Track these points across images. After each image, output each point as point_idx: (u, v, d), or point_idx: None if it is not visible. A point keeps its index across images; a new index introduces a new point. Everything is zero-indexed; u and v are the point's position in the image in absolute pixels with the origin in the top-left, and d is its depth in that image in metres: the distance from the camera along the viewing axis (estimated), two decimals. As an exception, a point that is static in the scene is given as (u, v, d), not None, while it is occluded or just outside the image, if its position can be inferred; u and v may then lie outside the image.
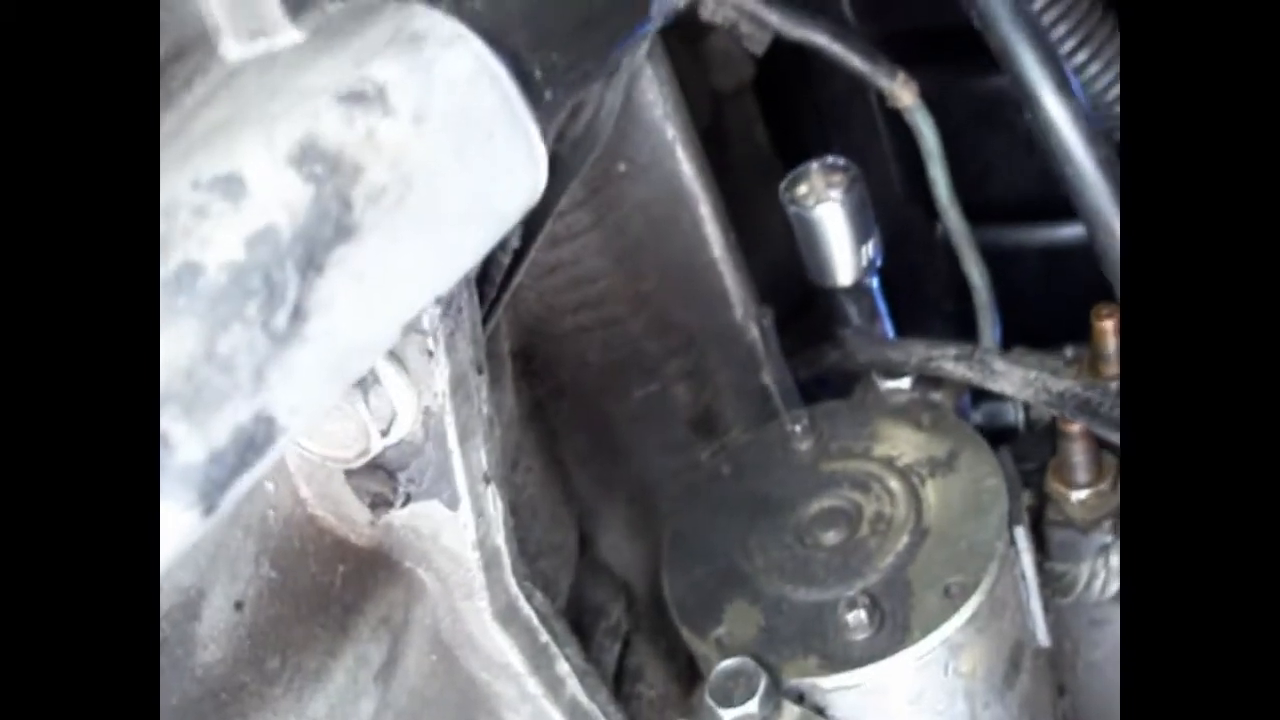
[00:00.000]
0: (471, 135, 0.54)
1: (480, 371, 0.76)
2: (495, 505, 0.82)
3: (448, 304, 0.70)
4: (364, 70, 0.53)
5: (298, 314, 0.49)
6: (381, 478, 0.77)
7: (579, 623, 1.07)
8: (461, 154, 0.54)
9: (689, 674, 1.22)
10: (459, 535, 0.80)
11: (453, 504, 0.78)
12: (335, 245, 0.50)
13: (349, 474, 0.78)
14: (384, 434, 0.72)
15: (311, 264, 0.49)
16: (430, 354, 0.70)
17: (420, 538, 0.81)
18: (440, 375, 0.72)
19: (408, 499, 0.79)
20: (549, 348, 1.15)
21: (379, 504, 0.79)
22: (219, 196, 0.49)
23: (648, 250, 1.15)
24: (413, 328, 0.69)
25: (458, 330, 0.71)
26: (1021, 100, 1.02)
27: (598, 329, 1.16)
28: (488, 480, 0.79)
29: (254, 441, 0.49)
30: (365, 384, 0.70)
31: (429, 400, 0.73)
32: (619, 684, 1.13)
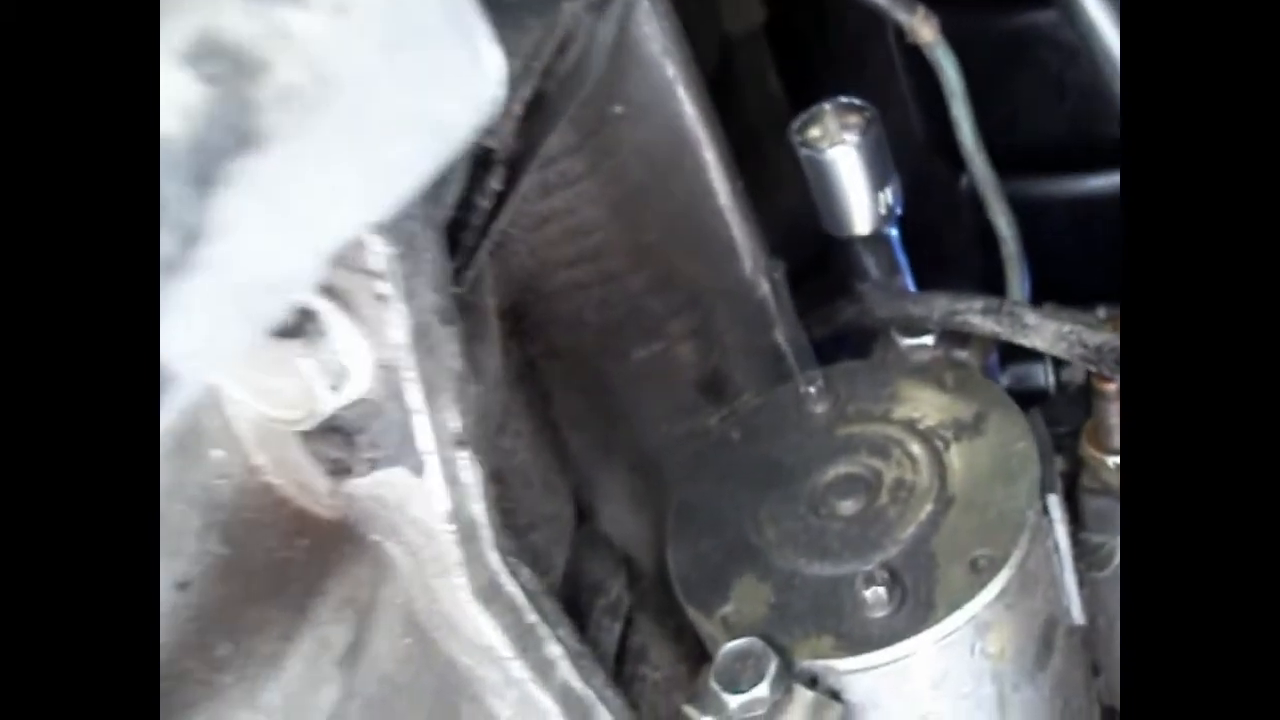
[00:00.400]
0: (404, 31, 0.46)
1: (448, 323, 0.68)
2: (472, 472, 0.74)
3: (404, 242, 0.62)
4: (274, -47, 0.45)
5: (190, 237, 0.41)
6: (339, 442, 0.69)
7: (575, 600, 0.99)
8: (392, 52, 0.46)
9: (697, 654, 1.14)
10: (428, 505, 0.72)
11: (419, 470, 0.70)
12: (237, 156, 0.42)
13: (304, 438, 0.70)
14: (333, 391, 0.64)
15: (208, 178, 0.41)
16: (383, 299, 0.62)
17: (387, 509, 0.73)
18: (398, 325, 0.63)
19: (371, 465, 0.71)
20: (542, 305, 1.07)
21: (339, 471, 0.71)
22: (98, 101, 0.41)
23: (648, 199, 1.07)
24: (362, 269, 0.61)
25: (417, 274, 0.63)
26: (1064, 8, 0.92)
27: (595, 284, 1.08)
28: (460, 444, 0.71)
29: (139, 391, 0.41)
30: (309, 334, 0.62)
31: (386, 353, 0.64)
32: (620, 665, 1.05)
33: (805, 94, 1.54)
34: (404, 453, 0.70)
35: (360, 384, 0.65)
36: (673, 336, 1.12)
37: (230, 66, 0.43)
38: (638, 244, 1.08)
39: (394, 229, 0.60)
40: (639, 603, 1.11)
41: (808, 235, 1.32)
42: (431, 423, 0.68)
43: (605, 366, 1.11)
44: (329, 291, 0.62)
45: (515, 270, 1.05)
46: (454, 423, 0.71)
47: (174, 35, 0.43)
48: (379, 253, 0.60)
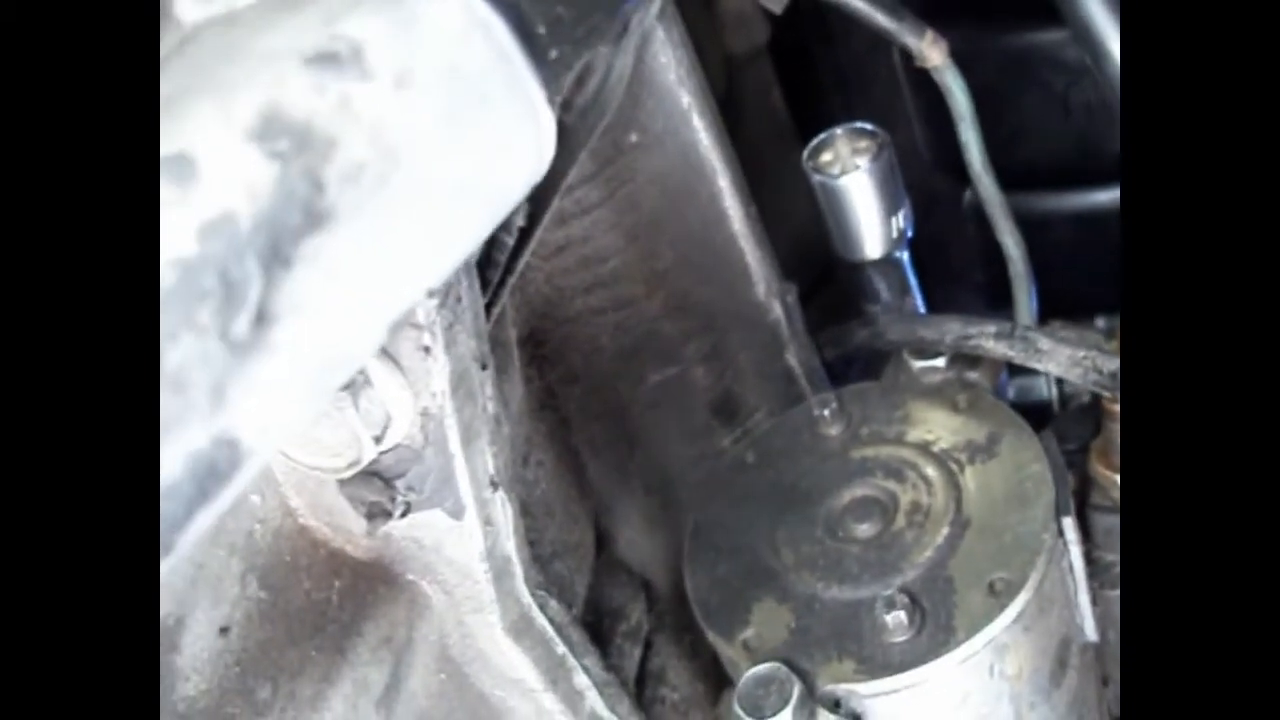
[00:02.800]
0: (465, 100, 0.46)
1: (484, 367, 0.69)
2: (504, 511, 0.75)
3: (445, 294, 0.62)
4: (336, 28, 0.45)
5: (262, 318, 0.41)
6: (378, 486, 0.70)
7: (597, 627, 1.00)
8: (453, 123, 0.46)
9: (714, 672, 1.15)
10: (465, 546, 0.73)
11: (457, 513, 0.71)
12: (306, 234, 0.43)
13: (342, 483, 0.71)
14: (377, 440, 0.65)
15: (277, 257, 0.42)
16: (427, 350, 0.62)
17: (423, 549, 0.74)
18: (439, 374, 0.64)
19: (407, 508, 0.71)
20: (559, 332, 1.07)
21: (376, 515, 0.72)
22: (166, 181, 0.42)
23: (663, 226, 1.08)
24: (406, 322, 0.62)
25: (457, 323, 0.64)
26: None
27: (611, 310, 1.08)
28: (495, 485, 0.72)
29: (216, 469, 0.41)
30: (354, 386, 0.62)
31: (427, 401, 0.65)
32: (641, 688, 1.06)
33: (810, 113, 1.55)
34: (442, 495, 0.70)
35: (401, 431, 0.66)
36: (688, 360, 1.13)
37: (297, 143, 0.43)
38: (653, 270, 1.09)
39: (437, 281, 0.61)
40: (657, 625, 1.12)
41: (814, 254, 1.33)
42: (469, 467, 0.69)
43: (622, 391, 1.11)
44: (374, 343, 0.63)
45: (533, 298, 1.05)
46: (489, 464, 0.71)
47: (239, 111, 0.44)
48: (425, 306, 0.61)
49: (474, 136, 0.47)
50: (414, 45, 0.46)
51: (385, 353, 0.63)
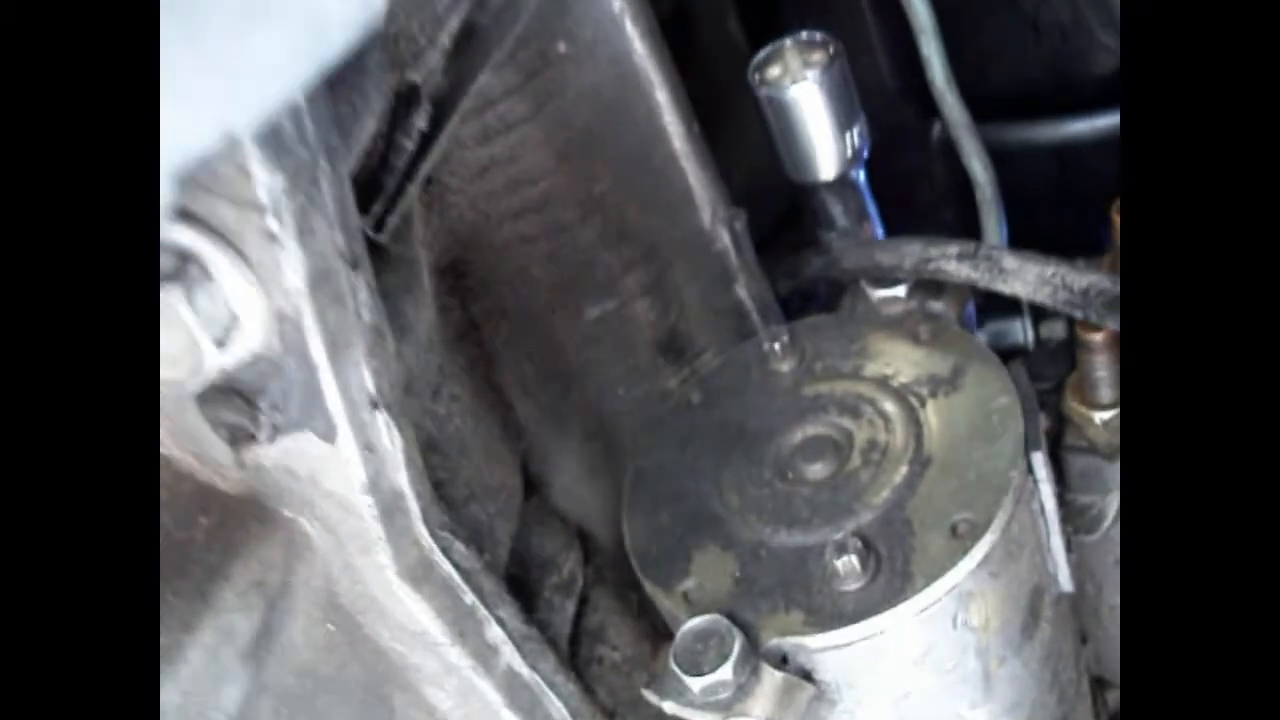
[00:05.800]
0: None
1: (355, 267, 0.60)
2: (391, 437, 0.66)
3: (295, 172, 0.53)
4: None
5: None
6: (238, 404, 0.61)
7: (524, 578, 0.92)
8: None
9: (662, 632, 1.07)
10: (343, 475, 0.64)
11: (328, 436, 0.62)
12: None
13: (201, 403, 0.62)
14: (220, 345, 0.56)
15: None
16: (273, 237, 0.53)
17: (298, 480, 0.66)
18: (293, 267, 0.55)
19: (274, 431, 0.62)
20: (485, 260, 0.99)
21: (239, 438, 0.63)
22: None
23: (597, 144, 0.99)
24: (247, 201, 0.53)
25: (312, 208, 0.55)
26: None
27: (542, 238, 1.00)
28: (375, 405, 0.63)
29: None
30: (188, 279, 0.53)
31: (281, 301, 0.56)
32: (576, 646, 0.97)
33: (769, 38, 1.46)
34: (310, 415, 0.62)
35: (252, 336, 0.57)
36: (628, 293, 1.04)
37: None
38: (588, 193, 1.00)
39: (280, 156, 0.52)
40: (596, 579, 1.03)
41: (775, 188, 1.24)
42: (339, 381, 0.60)
43: (556, 327, 1.03)
44: (212, 231, 0.54)
45: (455, 224, 0.96)
46: (367, 382, 0.63)
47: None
48: (263, 182, 0.52)
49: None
50: None
51: (226, 240, 0.54)
